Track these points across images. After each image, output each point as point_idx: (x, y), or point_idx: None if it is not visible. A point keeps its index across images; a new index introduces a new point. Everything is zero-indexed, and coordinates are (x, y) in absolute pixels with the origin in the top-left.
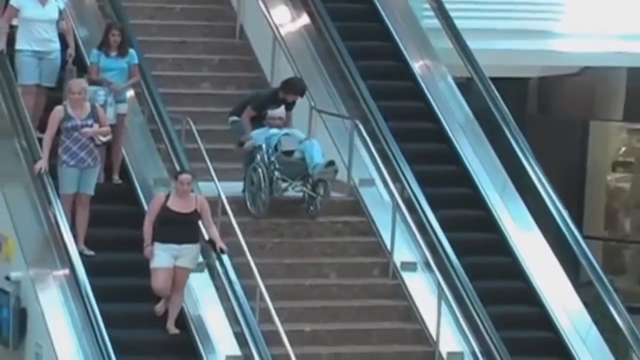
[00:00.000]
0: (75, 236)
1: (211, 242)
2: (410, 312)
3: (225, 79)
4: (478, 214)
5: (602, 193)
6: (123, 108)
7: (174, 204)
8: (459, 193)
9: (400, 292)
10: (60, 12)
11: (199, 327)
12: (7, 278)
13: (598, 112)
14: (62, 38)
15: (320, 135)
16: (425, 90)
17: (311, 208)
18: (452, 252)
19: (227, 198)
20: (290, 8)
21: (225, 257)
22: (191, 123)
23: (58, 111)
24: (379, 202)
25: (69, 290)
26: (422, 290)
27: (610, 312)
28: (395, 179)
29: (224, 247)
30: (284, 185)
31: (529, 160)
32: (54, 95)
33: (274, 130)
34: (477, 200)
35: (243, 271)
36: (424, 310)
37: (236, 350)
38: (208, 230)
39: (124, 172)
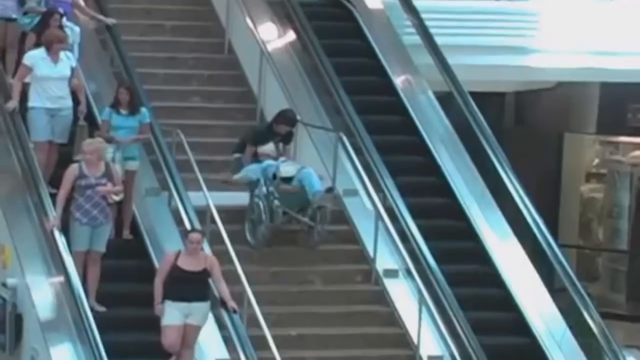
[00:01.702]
0: (86, 292)
1: (222, 302)
2: (392, 318)
3: (214, 93)
4: (457, 223)
5: (576, 203)
6: (134, 165)
7: (184, 263)
8: (439, 203)
9: (383, 298)
10: (72, 70)
11: None
12: (4, 285)
13: (572, 125)
14: (74, 94)
15: (306, 147)
16: (407, 104)
17: (312, 238)
18: (432, 260)
19: (216, 207)
20: (276, 25)
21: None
22: (181, 135)
23: (73, 169)
24: (362, 211)
25: (64, 296)
26: (404, 296)
27: (584, 317)
28: (378, 189)
29: (236, 307)
30: (283, 217)
31: (506, 171)
32: (64, 149)
33: (270, 161)
34: (456, 210)
35: (231, 278)
36: (405, 315)
37: None
38: (218, 289)
39: (134, 227)
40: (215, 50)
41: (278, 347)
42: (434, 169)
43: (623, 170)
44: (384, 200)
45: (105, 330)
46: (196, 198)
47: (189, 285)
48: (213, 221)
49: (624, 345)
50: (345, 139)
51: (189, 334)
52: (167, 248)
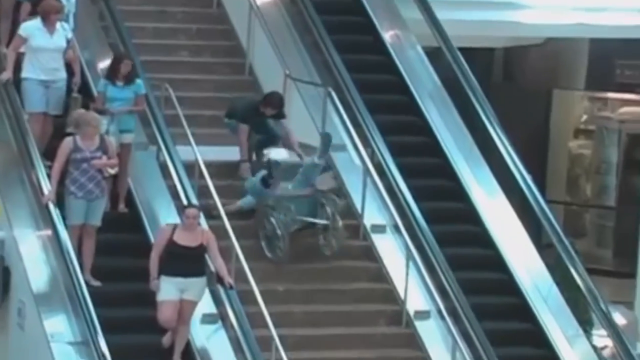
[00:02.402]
0: (81, 266)
1: (219, 277)
2: (379, 273)
3: (203, 47)
4: (445, 179)
5: (564, 159)
6: (128, 138)
7: (181, 238)
8: (427, 159)
9: (371, 253)
10: (68, 41)
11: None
12: None
13: (561, 81)
14: (68, 66)
15: (294, 102)
16: (396, 60)
17: (328, 244)
18: (420, 216)
19: (204, 162)
20: None
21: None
22: (170, 90)
23: (67, 143)
24: (351, 167)
25: (51, 249)
26: (392, 252)
27: (570, 273)
28: (366, 145)
29: (232, 283)
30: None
31: (494, 127)
32: (57, 121)
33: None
34: (443, 166)
35: (218, 233)
36: (392, 271)
37: None
38: (215, 264)
39: (130, 201)
40: (204, 5)
41: (265, 303)
42: (422, 124)
43: (611, 127)
44: (371, 155)
45: (100, 305)
46: (184, 152)
47: (185, 261)
48: (201, 176)
49: (610, 301)
50: (333, 93)
51: (184, 310)
52: (163, 222)
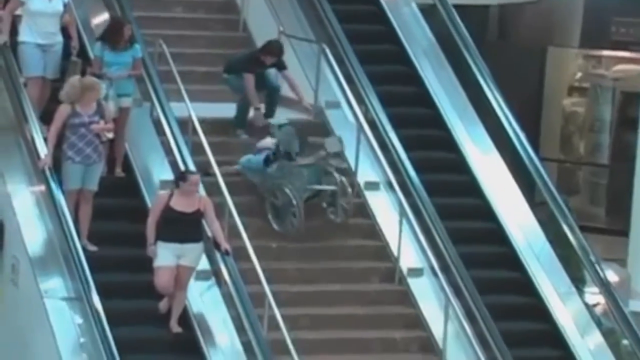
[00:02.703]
0: (78, 231)
1: (215, 243)
2: (372, 230)
3: (197, 4)
4: (439, 135)
5: (558, 117)
6: (127, 102)
7: (178, 204)
8: (421, 115)
9: (364, 210)
10: (65, 5)
11: (202, 326)
12: None
13: (555, 39)
14: (64, 30)
15: (289, 59)
16: (390, 16)
17: (337, 211)
18: (412, 171)
19: (198, 118)
20: None
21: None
22: (164, 45)
23: (65, 107)
24: (344, 123)
25: (45, 205)
26: (385, 208)
27: (563, 230)
28: (360, 101)
29: (229, 249)
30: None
31: (488, 84)
32: (55, 85)
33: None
34: (437, 122)
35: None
36: (385, 228)
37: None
38: (212, 229)
39: (126, 165)
40: None
41: (259, 259)
42: (417, 82)
43: (605, 85)
44: (365, 114)
45: (97, 270)
46: (178, 109)
47: (182, 226)
48: (195, 132)
49: (602, 258)
50: (327, 50)
51: (182, 275)
52: (159, 182)
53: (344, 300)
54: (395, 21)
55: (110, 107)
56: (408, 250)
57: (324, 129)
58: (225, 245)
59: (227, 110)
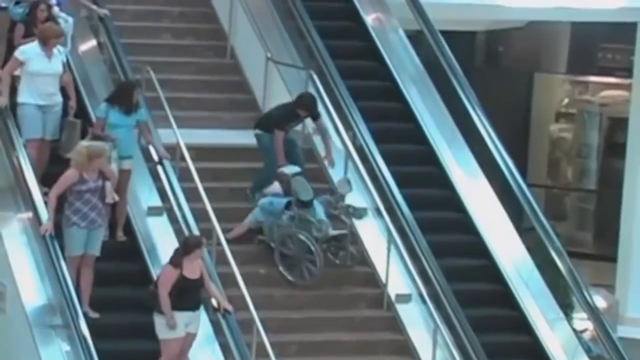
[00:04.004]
0: (79, 298)
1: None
2: (361, 257)
3: (185, 30)
4: (427, 164)
5: (545, 143)
6: (128, 164)
7: (188, 272)
8: (410, 147)
9: (352, 237)
10: (64, 65)
11: None
12: None
13: (542, 65)
14: (62, 89)
15: (276, 85)
16: (378, 44)
17: (348, 254)
18: (401, 200)
19: (186, 145)
20: None
21: (182, 200)
22: (151, 72)
23: (73, 175)
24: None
25: (32, 232)
26: (373, 235)
27: (551, 256)
28: (348, 128)
29: (229, 309)
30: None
31: (475, 110)
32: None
33: (272, 199)
34: (425, 151)
35: (200, 215)
36: (374, 254)
37: None
38: (211, 292)
39: (128, 229)
40: None
41: (247, 285)
42: (404, 109)
43: (592, 110)
44: (353, 140)
45: (99, 338)
46: (165, 135)
47: (193, 294)
48: (182, 158)
49: (590, 284)
50: (315, 76)
51: (188, 343)
52: (162, 252)
53: (332, 327)
54: (383, 48)
55: (113, 170)
56: (396, 276)
57: (311, 155)
58: (225, 305)
59: (214, 136)
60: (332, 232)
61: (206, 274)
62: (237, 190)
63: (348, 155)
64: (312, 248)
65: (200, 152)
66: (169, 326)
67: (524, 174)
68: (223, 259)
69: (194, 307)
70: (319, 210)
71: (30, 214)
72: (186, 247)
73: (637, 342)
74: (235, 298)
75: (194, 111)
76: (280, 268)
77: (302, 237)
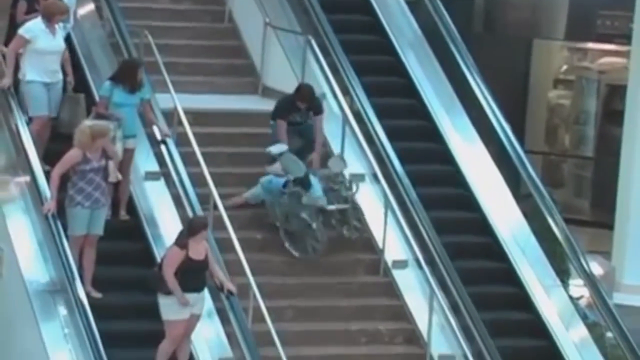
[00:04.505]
0: (82, 277)
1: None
2: (363, 230)
3: None
4: (425, 127)
5: (543, 109)
6: (132, 143)
7: (194, 253)
8: (406, 104)
9: (355, 212)
10: (66, 41)
11: None
12: None
13: (541, 32)
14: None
15: (274, 50)
16: (376, 8)
17: (350, 228)
18: (397, 162)
19: (183, 109)
20: None
21: (181, 167)
22: (149, 36)
23: (76, 155)
24: (330, 114)
25: (30, 196)
26: (370, 201)
27: (548, 223)
28: (345, 91)
29: (233, 289)
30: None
31: (474, 77)
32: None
33: (271, 177)
34: (423, 115)
35: (198, 180)
36: (371, 220)
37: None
38: (215, 273)
39: (131, 208)
40: None
41: (244, 250)
42: (403, 74)
43: (591, 77)
44: (351, 105)
45: (102, 319)
46: (163, 100)
47: (199, 275)
48: (180, 123)
49: (587, 250)
50: (313, 41)
51: (191, 324)
52: (165, 230)
53: (328, 292)
54: (382, 13)
55: (118, 149)
56: (393, 242)
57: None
58: (229, 286)
59: (212, 101)
60: (330, 206)
61: (211, 255)
62: (234, 155)
63: (345, 119)
64: (313, 225)
65: (197, 117)
66: (180, 305)
67: (521, 141)
68: (220, 224)
69: (198, 289)
70: (317, 187)
71: (28, 178)
72: (191, 228)
73: (633, 309)
74: (232, 263)
75: (191, 76)
76: (286, 244)
77: (302, 215)
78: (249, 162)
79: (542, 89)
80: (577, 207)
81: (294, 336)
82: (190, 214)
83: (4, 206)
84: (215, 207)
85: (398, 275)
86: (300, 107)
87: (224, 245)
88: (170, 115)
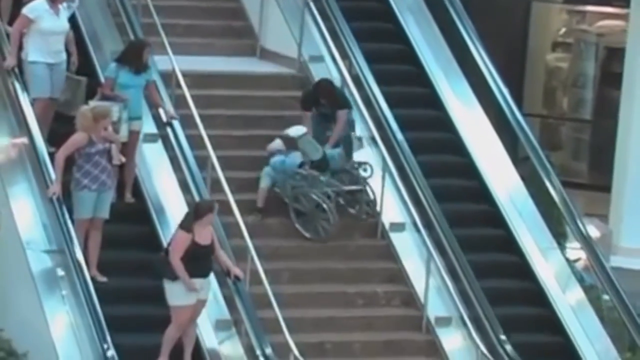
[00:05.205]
0: (87, 261)
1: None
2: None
3: None
4: (423, 90)
5: (541, 72)
6: (137, 125)
7: (200, 238)
8: (406, 70)
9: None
10: (68, 20)
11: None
12: None
13: None
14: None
15: (272, 12)
16: None
17: (362, 209)
18: (396, 127)
19: (181, 71)
20: None
21: (177, 127)
22: None
23: (82, 138)
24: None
25: (28, 159)
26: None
27: (546, 185)
28: (344, 56)
29: (240, 274)
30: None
31: (472, 40)
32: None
33: (277, 157)
34: (422, 78)
35: (195, 142)
36: (369, 183)
37: None
38: (221, 258)
39: (136, 190)
40: None
41: (241, 212)
42: (402, 37)
43: (589, 40)
44: (349, 68)
45: (108, 303)
46: (161, 62)
47: (205, 260)
48: (178, 85)
49: (584, 213)
50: (311, 3)
51: (198, 310)
52: (170, 211)
53: (326, 255)
54: None
55: (123, 131)
56: (390, 205)
57: (307, 82)
58: (235, 271)
59: (210, 63)
60: (345, 187)
61: (216, 240)
62: (232, 118)
63: (344, 82)
64: (325, 206)
65: (195, 79)
66: (188, 290)
67: (519, 104)
68: (218, 186)
69: (205, 274)
70: (334, 163)
71: (26, 139)
72: (198, 211)
73: (630, 272)
74: (229, 225)
75: (189, 38)
76: (296, 225)
77: (314, 196)
78: (248, 124)
79: (540, 52)
80: (575, 170)
81: (291, 298)
82: (197, 198)
83: (2, 170)
84: (213, 168)
85: (395, 238)
86: (322, 102)
87: (222, 208)
88: (168, 77)
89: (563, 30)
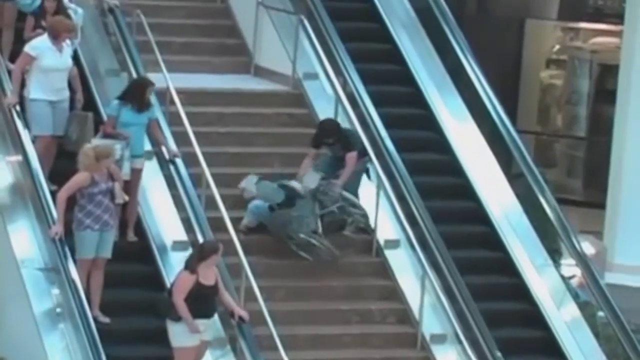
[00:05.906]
0: (89, 302)
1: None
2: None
3: None
4: (417, 109)
5: (535, 89)
6: (139, 163)
7: (205, 278)
8: (400, 89)
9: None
10: (71, 58)
11: None
12: None
13: (533, 11)
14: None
15: (267, 30)
16: None
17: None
18: (391, 145)
19: (175, 89)
20: None
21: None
22: (142, 16)
23: (85, 178)
24: (322, 95)
25: (22, 175)
26: (363, 181)
27: (540, 202)
28: (338, 73)
29: (245, 316)
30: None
31: (467, 57)
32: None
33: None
34: (416, 96)
35: (190, 159)
36: (364, 201)
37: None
38: (225, 299)
39: (139, 229)
40: None
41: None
42: (396, 55)
43: (583, 57)
44: (344, 86)
45: (110, 343)
46: (155, 79)
47: (208, 301)
48: (172, 102)
49: (579, 230)
50: (306, 21)
51: (201, 351)
52: (173, 251)
53: (320, 272)
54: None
55: (125, 169)
56: (385, 222)
57: (301, 100)
58: (240, 312)
59: (205, 80)
60: (321, 211)
61: (220, 281)
62: (226, 135)
63: (338, 100)
64: (312, 241)
65: (189, 97)
66: (191, 332)
67: (514, 120)
68: (212, 204)
69: (208, 315)
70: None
71: (20, 157)
72: (202, 252)
73: (624, 289)
74: (223, 242)
75: (184, 55)
76: (300, 252)
77: (300, 235)
78: (241, 141)
79: (534, 69)
80: (569, 187)
81: (286, 316)
82: (201, 239)
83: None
84: (208, 186)
85: (390, 255)
86: (328, 143)
87: (216, 225)
88: (162, 95)
89: (557, 47)
